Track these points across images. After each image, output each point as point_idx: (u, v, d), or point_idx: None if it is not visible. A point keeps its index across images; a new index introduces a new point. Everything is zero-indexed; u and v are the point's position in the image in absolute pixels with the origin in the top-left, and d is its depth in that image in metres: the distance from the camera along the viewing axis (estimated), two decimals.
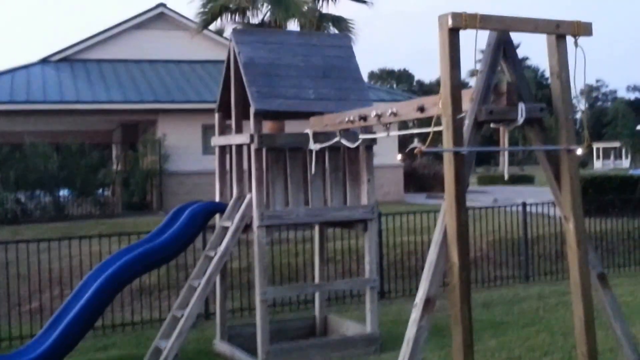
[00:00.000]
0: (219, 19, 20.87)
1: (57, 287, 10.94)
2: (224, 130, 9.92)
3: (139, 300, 11.42)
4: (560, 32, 5.61)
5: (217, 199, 9.79)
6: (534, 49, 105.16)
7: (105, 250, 10.63)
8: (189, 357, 9.23)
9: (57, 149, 22.76)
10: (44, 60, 27.53)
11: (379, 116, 6.84)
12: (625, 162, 77.68)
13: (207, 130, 23.75)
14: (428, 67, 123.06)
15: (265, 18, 20.30)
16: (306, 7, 19.46)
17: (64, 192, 23.04)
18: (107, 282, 8.53)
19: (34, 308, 10.91)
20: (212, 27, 22.57)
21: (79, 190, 22.94)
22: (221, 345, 9.54)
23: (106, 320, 10.65)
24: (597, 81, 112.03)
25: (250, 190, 8.96)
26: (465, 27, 5.17)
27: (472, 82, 6.72)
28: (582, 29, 5.66)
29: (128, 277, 8.86)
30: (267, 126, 15.36)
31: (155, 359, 8.57)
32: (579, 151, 5.72)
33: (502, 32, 5.55)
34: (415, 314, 5.30)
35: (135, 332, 10.73)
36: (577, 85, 5.67)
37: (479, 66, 5.70)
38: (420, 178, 34.84)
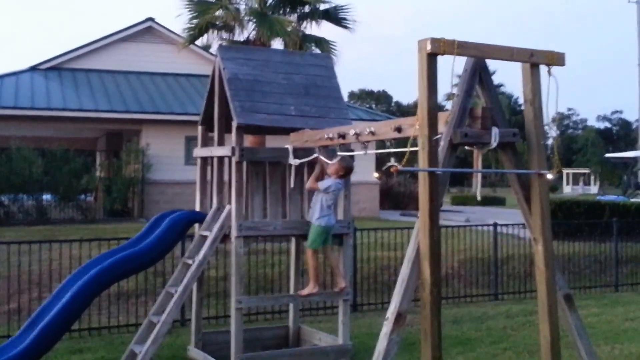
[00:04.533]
0: (205, 35, 21.25)
1: (36, 289, 11.05)
2: (207, 142, 10.09)
3: (116, 305, 11.53)
4: (535, 61, 5.83)
5: (197, 208, 9.94)
6: (508, 76, 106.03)
7: (85, 255, 10.77)
8: None
9: (42, 154, 22.91)
10: (33, 68, 27.74)
11: (357, 134, 7.05)
12: (594, 188, 78.43)
13: (190, 142, 23.96)
14: (406, 89, 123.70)
15: (251, 36, 20.65)
16: (290, 27, 19.79)
17: (46, 197, 23.11)
18: (86, 286, 8.64)
19: (12, 309, 10.99)
20: (198, 42, 22.88)
21: (61, 195, 23.06)
22: (195, 352, 9.66)
23: (83, 323, 10.77)
24: (569, 110, 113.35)
25: (229, 201, 9.13)
26: (443, 53, 5.36)
27: (449, 105, 6.84)
28: (556, 58, 5.88)
29: (106, 281, 8.97)
30: (249, 140, 15.56)
31: None
32: (550, 176, 5.94)
33: (479, 59, 5.76)
34: (386, 328, 5.43)
35: (111, 336, 10.85)
36: (549, 112, 5.88)
37: (455, 90, 5.91)
38: (395, 196, 35.05)
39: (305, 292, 9.29)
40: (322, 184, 8.59)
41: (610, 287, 15.61)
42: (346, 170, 8.61)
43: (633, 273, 16.16)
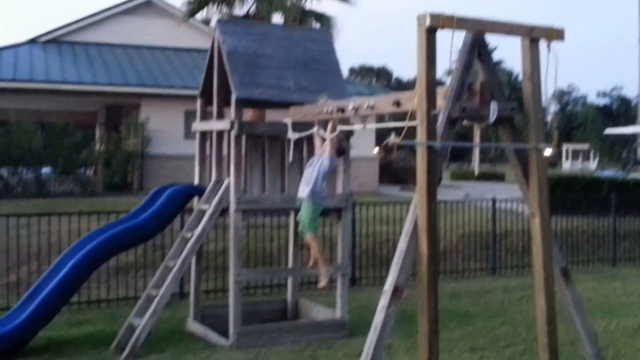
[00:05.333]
0: (205, 9, 21.18)
1: (35, 262, 11.08)
2: (206, 116, 10.10)
3: (115, 278, 11.58)
4: (534, 36, 5.81)
5: (196, 182, 9.97)
6: (509, 52, 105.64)
7: (85, 228, 10.78)
8: (162, 335, 9.41)
9: (42, 127, 22.93)
10: (32, 41, 27.61)
11: (356, 109, 7.04)
12: (593, 164, 78.40)
13: (189, 116, 23.86)
14: (407, 65, 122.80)
15: (250, 11, 20.58)
16: (290, 2, 19.74)
17: (46, 170, 23.15)
18: (85, 259, 8.70)
19: (11, 281, 11.06)
20: (198, 16, 22.82)
21: (61, 169, 23.10)
22: (194, 325, 9.74)
23: (82, 296, 10.83)
24: (569, 86, 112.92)
25: (228, 175, 9.16)
26: (442, 27, 5.35)
27: (449, 81, 6.78)
28: (555, 34, 5.86)
29: (105, 254, 9.05)
30: (249, 114, 15.57)
31: (129, 336, 8.75)
32: (548, 151, 5.94)
33: (478, 34, 5.74)
34: (383, 301, 5.46)
35: (110, 309, 10.91)
36: (548, 88, 5.88)
37: (455, 66, 5.90)
38: (395, 171, 35.02)
39: (323, 283, 8.49)
40: (333, 159, 7.98)
41: (608, 261, 15.67)
42: (342, 150, 8.35)
43: (631, 248, 16.21)
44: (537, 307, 5.97)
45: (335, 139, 7.95)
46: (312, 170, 7.89)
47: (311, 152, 9.38)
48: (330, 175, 8.29)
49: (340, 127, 8.31)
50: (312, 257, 8.58)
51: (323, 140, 8.18)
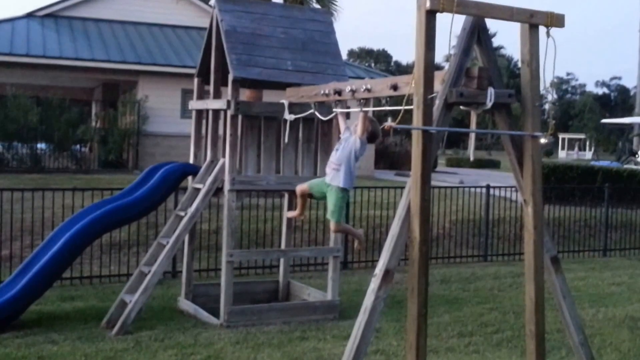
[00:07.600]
0: None
1: (29, 237, 11.08)
2: (203, 95, 10.07)
3: (108, 255, 11.58)
4: (534, 22, 5.77)
5: (191, 161, 9.96)
6: (509, 39, 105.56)
7: (79, 204, 10.78)
8: (153, 312, 9.44)
9: (38, 102, 22.84)
10: (30, 15, 27.43)
11: (353, 91, 6.99)
12: (588, 154, 78.56)
13: (187, 95, 23.87)
14: (406, 48, 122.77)
15: None
16: None
17: (41, 145, 23.12)
18: (78, 235, 8.70)
19: (4, 256, 11.04)
20: None
21: (56, 145, 23.06)
22: (185, 303, 9.76)
23: (75, 272, 10.86)
24: (568, 74, 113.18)
25: (223, 154, 9.16)
26: (442, 10, 5.29)
27: (447, 66, 6.64)
28: (555, 20, 5.81)
29: (98, 231, 9.05)
30: (246, 94, 15.54)
31: (120, 312, 8.77)
32: (544, 140, 5.93)
33: (478, 18, 5.71)
34: (373, 284, 5.43)
35: (102, 285, 10.93)
36: (546, 75, 5.85)
37: (453, 51, 5.87)
38: (390, 156, 35.06)
39: (358, 245, 8.00)
40: (364, 143, 7.07)
41: (599, 251, 15.72)
42: (375, 135, 7.17)
43: (622, 238, 16.26)
44: (526, 295, 5.98)
45: (368, 121, 6.99)
46: (341, 153, 7.10)
47: (306, 134, 9.39)
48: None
49: (335, 110, 8.28)
50: (355, 239, 8.02)
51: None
